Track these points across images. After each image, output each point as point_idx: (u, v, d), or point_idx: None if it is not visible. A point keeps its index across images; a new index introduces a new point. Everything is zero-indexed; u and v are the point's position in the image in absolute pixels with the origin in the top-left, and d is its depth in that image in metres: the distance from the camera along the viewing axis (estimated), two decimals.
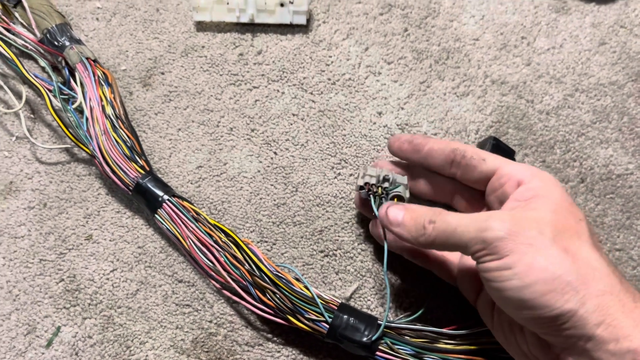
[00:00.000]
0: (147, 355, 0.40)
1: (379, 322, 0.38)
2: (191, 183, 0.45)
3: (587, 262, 0.29)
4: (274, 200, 0.45)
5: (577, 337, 0.28)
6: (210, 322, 0.41)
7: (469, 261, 0.37)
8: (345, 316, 0.38)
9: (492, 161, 0.36)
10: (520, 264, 0.28)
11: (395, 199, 0.38)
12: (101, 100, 0.44)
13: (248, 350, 0.40)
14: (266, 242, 0.44)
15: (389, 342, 0.37)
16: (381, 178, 0.39)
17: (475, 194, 0.39)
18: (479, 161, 0.36)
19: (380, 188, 0.38)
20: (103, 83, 0.45)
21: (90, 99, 0.44)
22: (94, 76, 0.45)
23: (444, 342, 0.37)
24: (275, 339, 0.41)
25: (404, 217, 0.34)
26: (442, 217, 0.32)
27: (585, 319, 0.27)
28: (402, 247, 0.40)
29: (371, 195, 0.38)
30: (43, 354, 0.40)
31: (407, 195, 0.39)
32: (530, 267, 0.28)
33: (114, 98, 0.45)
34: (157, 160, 0.46)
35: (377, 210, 0.37)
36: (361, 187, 0.39)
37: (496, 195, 0.35)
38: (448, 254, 0.40)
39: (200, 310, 0.42)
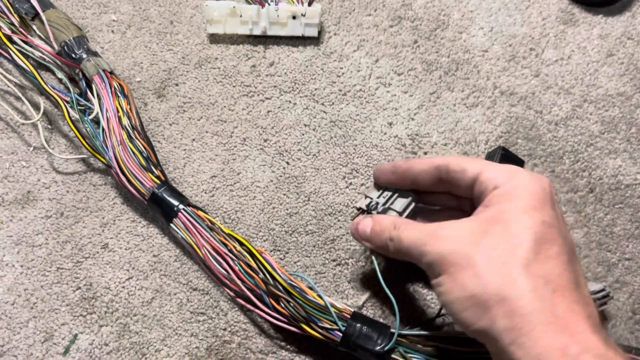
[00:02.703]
0: None
1: (392, 330, 0.38)
2: (205, 192, 0.46)
3: (507, 280, 0.28)
4: (287, 210, 0.45)
5: (498, 352, 0.28)
6: (225, 330, 0.42)
7: None
8: (359, 325, 0.38)
9: (472, 169, 0.34)
10: (446, 282, 0.30)
11: None
12: (118, 111, 0.45)
13: (262, 358, 0.41)
14: (279, 250, 0.44)
15: (401, 351, 0.38)
16: (379, 203, 0.39)
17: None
18: (461, 173, 0.34)
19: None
20: (119, 94, 0.46)
21: (107, 110, 0.45)
22: (110, 88, 0.46)
23: (457, 350, 0.38)
24: (288, 347, 0.41)
25: (371, 231, 0.37)
26: (398, 234, 0.34)
27: (497, 338, 0.28)
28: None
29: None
30: None
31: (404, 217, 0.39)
32: (452, 285, 0.30)
33: (130, 109, 0.46)
34: (171, 170, 0.47)
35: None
36: (358, 209, 0.41)
37: (479, 202, 0.34)
38: None
39: (215, 318, 0.42)
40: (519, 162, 0.45)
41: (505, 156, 0.44)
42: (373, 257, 0.39)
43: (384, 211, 0.39)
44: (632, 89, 0.49)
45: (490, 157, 0.45)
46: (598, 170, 0.46)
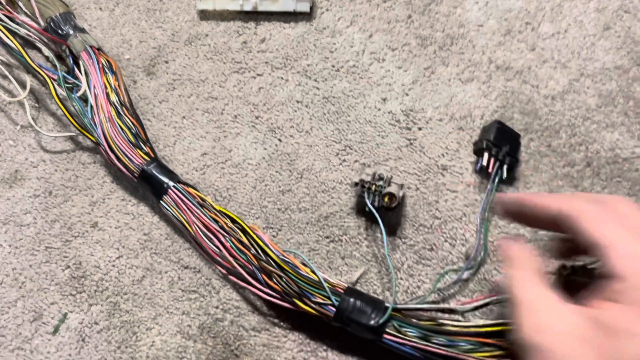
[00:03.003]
0: (153, 341, 0.40)
1: (386, 305, 0.38)
2: (196, 170, 0.45)
3: None
4: (279, 187, 0.45)
5: None
6: (217, 307, 0.41)
7: None
8: (352, 299, 0.38)
9: (595, 240, 0.28)
10: None
11: (386, 197, 0.40)
12: (105, 87, 0.44)
13: (255, 335, 0.40)
14: (272, 228, 0.44)
15: (395, 325, 0.37)
16: (376, 176, 0.41)
17: None
18: (582, 238, 0.29)
19: (374, 185, 0.41)
20: (107, 71, 0.45)
21: (94, 87, 0.44)
22: (98, 64, 0.45)
23: (452, 324, 0.37)
24: (282, 323, 0.41)
25: (508, 263, 0.33)
26: (515, 292, 0.30)
27: None
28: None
29: (365, 192, 0.41)
30: (50, 340, 0.40)
31: (401, 194, 0.41)
32: None
33: (119, 85, 0.45)
34: (161, 148, 0.46)
35: (370, 204, 0.40)
36: (356, 184, 0.41)
37: (597, 278, 0.30)
38: None
39: (207, 296, 0.42)
40: (515, 136, 0.44)
41: (500, 130, 0.43)
42: (381, 224, 0.39)
43: (387, 182, 0.40)
44: (629, 62, 0.48)
45: (485, 131, 0.44)
46: (595, 144, 0.46)
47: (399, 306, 0.38)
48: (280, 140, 0.46)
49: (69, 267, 0.42)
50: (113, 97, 0.44)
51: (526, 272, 0.31)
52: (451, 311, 0.38)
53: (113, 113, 0.43)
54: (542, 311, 0.28)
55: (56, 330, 0.40)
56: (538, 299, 0.29)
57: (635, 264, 0.26)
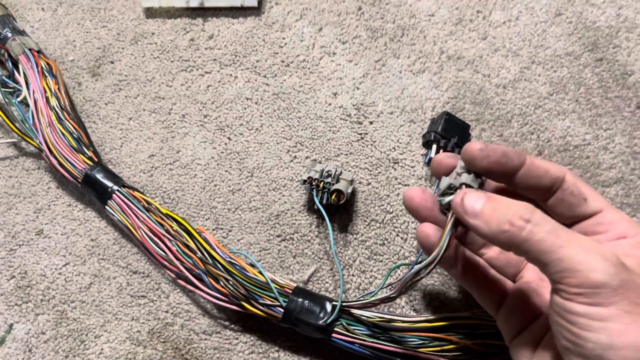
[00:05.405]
0: (102, 349, 0.40)
1: (334, 303, 0.37)
2: (144, 172, 0.44)
3: None
4: (229, 187, 0.44)
5: None
6: (167, 312, 0.41)
7: (529, 291, 0.33)
8: (300, 300, 0.37)
9: (593, 203, 0.30)
10: (616, 321, 0.24)
11: (334, 195, 0.40)
12: (45, 91, 0.43)
13: (205, 339, 0.40)
14: (222, 229, 0.43)
15: (344, 323, 0.37)
16: (324, 173, 0.40)
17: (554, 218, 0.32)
18: (579, 200, 0.30)
19: (322, 182, 0.40)
20: (47, 74, 0.44)
21: (34, 91, 0.43)
22: (37, 67, 0.44)
23: (401, 320, 0.37)
24: (232, 326, 0.40)
25: (483, 206, 0.28)
26: (540, 221, 0.26)
27: None
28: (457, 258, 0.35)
29: (313, 190, 0.40)
30: None
31: (349, 191, 0.40)
32: (627, 328, 0.24)
33: (59, 89, 0.44)
34: (108, 151, 0.45)
35: (319, 202, 0.39)
36: (304, 182, 0.41)
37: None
38: (500, 278, 0.35)
39: (156, 300, 0.41)
40: (465, 127, 0.44)
41: (449, 121, 0.42)
42: (329, 222, 0.39)
43: (335, 179, 0.40)
44: (581, 47, 0.48)
45: (434, 123, 0.43)
46: (546, 132, 0.45)
47: (346, 303, 0.37)
48: (229, 138, 0.45)
49: (14, 276, 0.41)
50: (53, 102, 0.43)
51: (540, 212, 0.27)
52: (390, 299, 0.37)
53: (54, 118, 0.42)
54: (582, 243, 0.25)
55: (2, 341, 0.40)
56: (569, 234, 0.26)
57: (627, 228, 0.29)
